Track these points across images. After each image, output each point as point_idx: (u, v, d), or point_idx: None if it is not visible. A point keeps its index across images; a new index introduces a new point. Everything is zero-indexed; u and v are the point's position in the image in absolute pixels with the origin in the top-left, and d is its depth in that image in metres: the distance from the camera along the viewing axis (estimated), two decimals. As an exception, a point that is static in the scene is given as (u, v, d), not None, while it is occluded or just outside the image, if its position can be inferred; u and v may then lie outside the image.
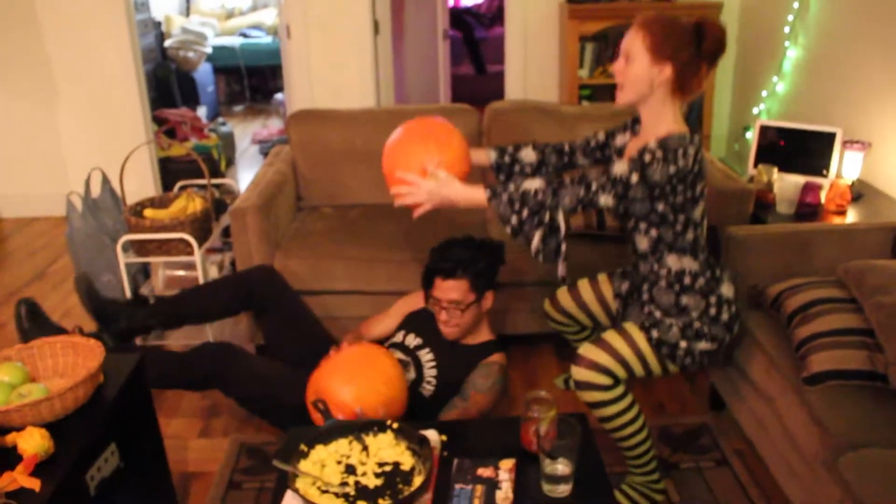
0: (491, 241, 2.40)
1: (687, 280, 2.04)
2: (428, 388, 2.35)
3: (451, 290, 2.29)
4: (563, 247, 2.01)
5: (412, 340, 2.44)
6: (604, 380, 2.05)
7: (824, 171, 3.12)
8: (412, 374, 2.36)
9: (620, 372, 2.06)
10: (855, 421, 1.87)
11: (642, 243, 2.06)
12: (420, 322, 2.44)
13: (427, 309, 2.43)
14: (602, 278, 2.44)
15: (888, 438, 1.82)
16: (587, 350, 2.08)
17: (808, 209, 2.86)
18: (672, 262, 2.03)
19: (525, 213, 1.96)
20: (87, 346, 1.83)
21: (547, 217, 1.96)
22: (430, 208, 2.06)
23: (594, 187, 1.92)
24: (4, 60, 4.47)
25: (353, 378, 2.07)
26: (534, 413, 1.71)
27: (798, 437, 1.99)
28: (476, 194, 2.01)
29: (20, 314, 2.39)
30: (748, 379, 2.32)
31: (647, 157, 1.87)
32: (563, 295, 2.50)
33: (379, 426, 1.78)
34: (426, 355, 2.39)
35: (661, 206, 1.95)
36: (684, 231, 1.99)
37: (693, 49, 1.89)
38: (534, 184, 1.96)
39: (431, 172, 2.02)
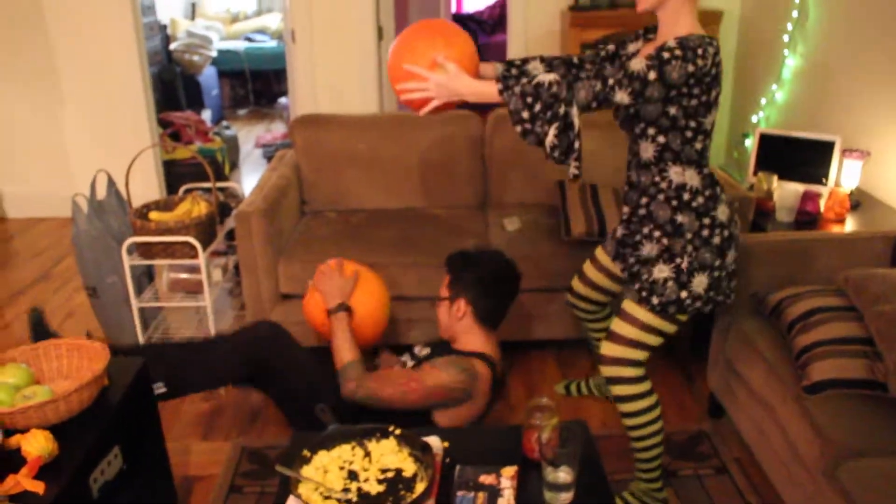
0: (502, 260, 2.40)
1: (686, 196, 1.99)
2: None
3: (443, 282, 2.42)
4: (577, 144, 1.92)
5: (422, 350, 2.49)
6: (630, 371, 2.09)
7: (823, 180, 3.13)
8: None
9: (640, 355, 2.09)
10: (855, 430, 1.88)
11: (648, 151, 2.00)
12: (438, 337, 2.51)
13: None
14: (598, 251, 2.45)
15: (889, 447, 1.83)
16: (605, 348, 2.12)
17: (807, 217, 2.87)
18: (674, 174, 1.98)
19: (538, 106, 1.88)
20: (92, 349, 1.85)
21: (562, 110, 1.88)
22: (439, 104, 2.01)
23: (611, 82, 1.84)
24: (12, 62, 4.49)
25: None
26: (536, 420, 1.72)
27: (798, 445, 2.00)
28: (487, 87, 1.95)
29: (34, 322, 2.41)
30: (748, 387, 2.33)
31: (666, 55, 1.80)
32: (576, 283, 2.53)
33: (382, 432, 1.79)
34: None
35: (673, 110, 1.89)
36: (693, 139, 1.94)
37: None
38: (548, 77, 1.89)
39: (441, 63, 1.97)
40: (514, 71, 2.20)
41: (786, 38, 3.73)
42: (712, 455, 2.50)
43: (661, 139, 1.96)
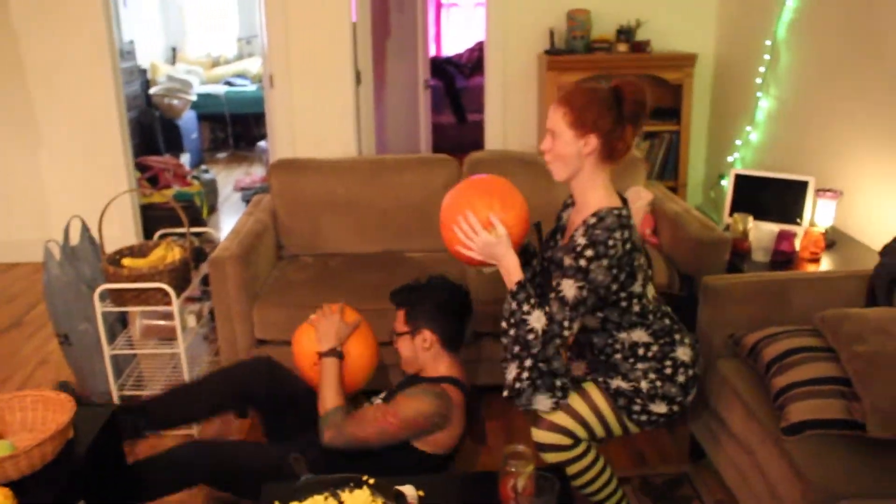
0: (449, 283, 2.42)
1: (640, 351, 2.05)
2: None
3: (396, 318, 2.42)
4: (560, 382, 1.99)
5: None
6: (564, 440, 2.04)
7: (798, 220, 3.16)
8: None
9: (581, 432, 2.05)
10: (836, 471, 1.86)
11: (592, 322, 2.05)
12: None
13: None
14: None
15: (869, 488, 1.81)
16: (549, 413, 2.06)
17: (783, 257, 2.89)
18: (623, 337, 2.04)
19: (512, 332, 1.95)
20: (57, 401, 1.80)
21: (528, 361, 1.93)
22: (477, 260, 2.05)
23: (566, 324, 1.90)
24: (-13, 107, 4.48)
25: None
26: (511, 468, 1.69)
27: (779, 488, 1.98)
28: (514, 275, 1.99)
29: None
30: (727, 429, 2.31)
31: (583, 263, 1.87)
32: None
33: (355, 482, 1.75)
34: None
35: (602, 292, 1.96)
36: (629, 307, 2.00)
37: (614, 114, 1.90)
38: (538, 324, 1.92)
39: (494, 223, 2.01)
40: (542, 263, 2.23)
41: (759, 80, 3.80)
42: (693, 497, 2.47)
43: (599, 314, 2.02)
